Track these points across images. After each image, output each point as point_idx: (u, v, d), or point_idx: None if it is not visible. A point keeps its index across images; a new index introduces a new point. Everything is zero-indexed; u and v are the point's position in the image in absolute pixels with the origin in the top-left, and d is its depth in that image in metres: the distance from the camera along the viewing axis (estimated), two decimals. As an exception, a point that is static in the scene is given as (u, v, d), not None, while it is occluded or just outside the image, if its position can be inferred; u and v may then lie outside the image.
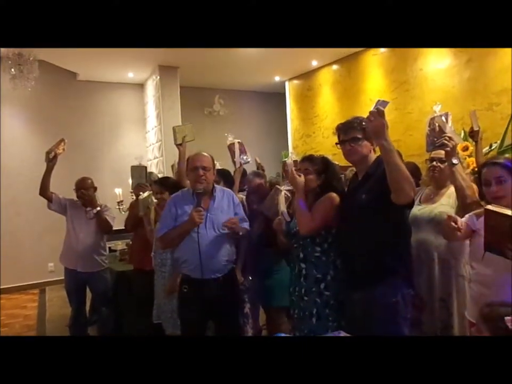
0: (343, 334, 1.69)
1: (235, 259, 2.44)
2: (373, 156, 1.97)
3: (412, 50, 4.96)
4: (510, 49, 4.01)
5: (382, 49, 5.37)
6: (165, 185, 2.88)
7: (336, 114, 6.07)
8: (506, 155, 3.24)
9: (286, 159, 2.91)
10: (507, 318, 1.39)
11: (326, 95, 6.37)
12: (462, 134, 3.56)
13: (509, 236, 1.50)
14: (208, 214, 2.25)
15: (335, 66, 6.19)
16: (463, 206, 2.00)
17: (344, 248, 1.99)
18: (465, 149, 3.48)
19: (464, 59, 4.44)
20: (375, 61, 5.50)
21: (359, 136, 1.91)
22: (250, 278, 2.72)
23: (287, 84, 7.14)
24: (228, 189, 2.52)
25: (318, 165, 2.16)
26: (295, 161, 2.87)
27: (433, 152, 2.27)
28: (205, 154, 2.35)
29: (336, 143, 2.02)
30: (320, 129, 6.51)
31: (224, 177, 2.92)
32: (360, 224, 1.81)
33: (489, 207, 1.65)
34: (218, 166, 3.41)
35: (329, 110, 6.32)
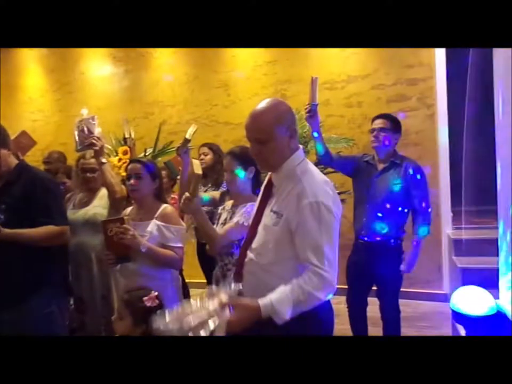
0: None
1: None
2: (13, 162, 1.85)
3: (72, 52, 4.89)
4: (160, 64, 4.66)
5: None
6: None
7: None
8: (159, 158, 3.78)
9: None
10: (145, 298, 1.64)
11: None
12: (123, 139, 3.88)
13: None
14: None
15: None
16: (113, 201, 2.25)
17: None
18: (125, 153, 3.80)
19: (122, 69, 4.79)
20: (33, 57, 5.10)
21: None
22: None
23: None
24: None
25: None
26: None
27: (81, 155, 2.38)
28: None
29: None
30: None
31: None
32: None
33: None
34: None
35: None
